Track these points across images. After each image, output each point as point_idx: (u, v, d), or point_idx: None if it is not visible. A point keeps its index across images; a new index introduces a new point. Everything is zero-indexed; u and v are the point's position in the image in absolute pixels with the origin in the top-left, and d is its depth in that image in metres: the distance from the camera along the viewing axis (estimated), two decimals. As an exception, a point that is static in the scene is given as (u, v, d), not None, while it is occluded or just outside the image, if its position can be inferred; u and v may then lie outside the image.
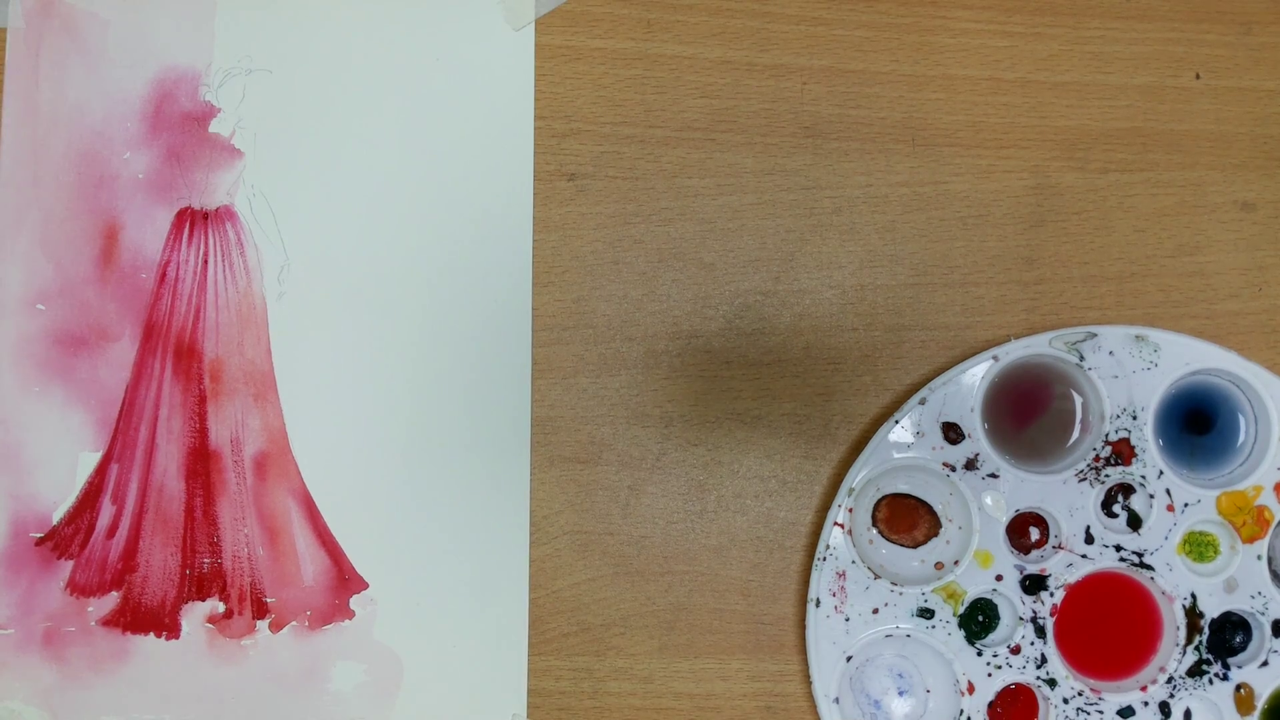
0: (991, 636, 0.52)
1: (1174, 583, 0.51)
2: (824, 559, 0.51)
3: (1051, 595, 0.51)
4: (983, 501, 0.51)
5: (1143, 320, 0.54)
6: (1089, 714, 0.51)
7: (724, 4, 0.55)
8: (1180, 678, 0.51)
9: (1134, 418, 0.52)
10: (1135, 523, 0.52)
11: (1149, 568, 0.51)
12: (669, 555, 0.53)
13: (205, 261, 0.54)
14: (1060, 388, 0.53)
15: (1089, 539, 0.51)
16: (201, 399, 0.53)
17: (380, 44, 0.55)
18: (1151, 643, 0.52)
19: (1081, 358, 0.52)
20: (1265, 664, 0.51)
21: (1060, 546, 0.52)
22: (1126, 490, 0.52)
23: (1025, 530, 0.52)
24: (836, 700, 0.51)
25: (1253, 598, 0.51)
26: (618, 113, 0.55)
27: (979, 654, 0.51)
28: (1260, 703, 0.51)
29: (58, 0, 0.55)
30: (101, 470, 0.53)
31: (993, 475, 0.51)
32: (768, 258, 0.54)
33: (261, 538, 0.53)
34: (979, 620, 0.52)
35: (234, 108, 0.54)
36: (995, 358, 0.52)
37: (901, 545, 0.53)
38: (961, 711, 0.51)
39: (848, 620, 0.51)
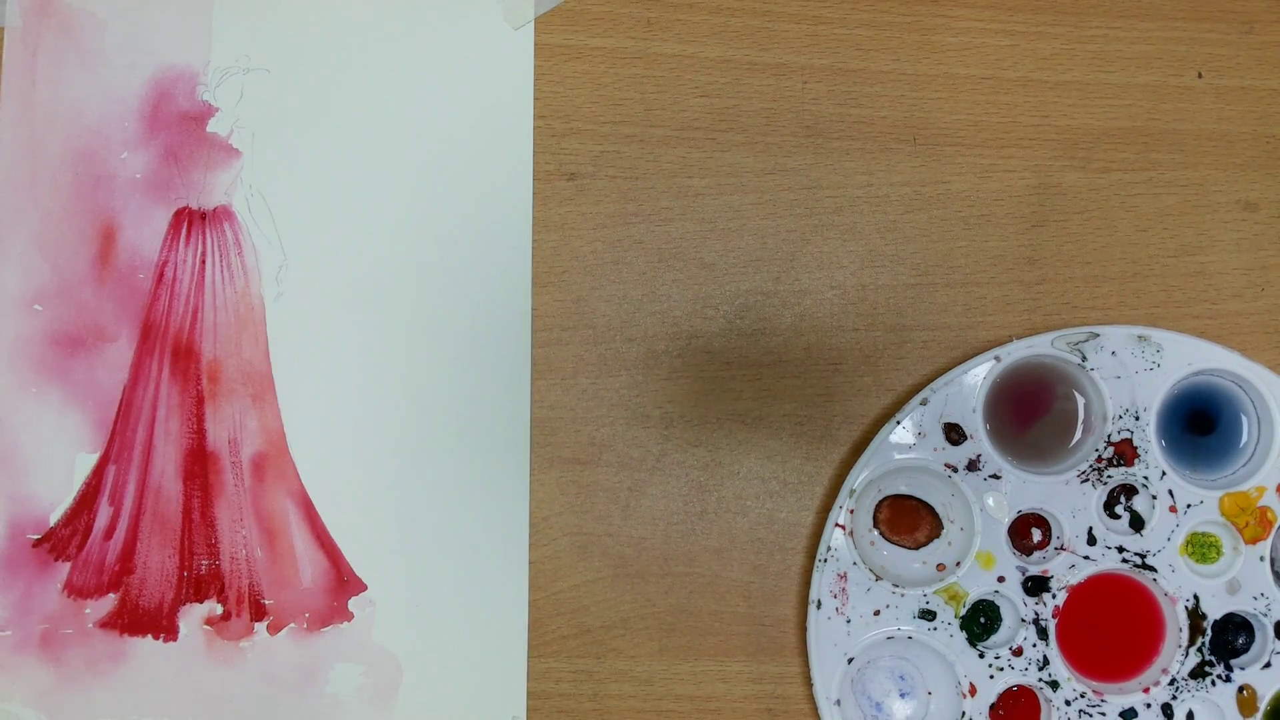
0: (993, 638, 0.51)
1: (1176, 584, 0.51)
2: (825, 560, 0.51)
3: (1054, 597, 0.51)
4: (984, 502, 0.51)
5: (1145, 320, 0.54)
6: (1091, 716, 0.51)
7: (724, 3, 0.55)
8: (1183, 679, 0.51)
9: (1136, 418, 0.51)
10: (1138, 524, 0.51)
11: (1151, 569, 0.51)
12: (669, 557, 0.53)
13: (203, 261, 0.54)
14: (1062, 388, 0.52)
15: (1091, 540, 0.51)
16: (199, 400, 0.53)
17: (379, 43, 0.55)
18: (1154, 644, 0.52)
19: (1084, 358, 0.51)
20: (1268, 665, 0.51)
21: (1062, 548, 0.51)
22: (1129, 491, 0.52)
23: (1027, 531, 0.52)
24: (838, 702, 0.51)
25: (1255, 599, 0.51)
26: (618, 112, 0.55)
27: (981, 656, 0.51)
28: (1263, 704, 0.51)
29: (55, 0, 0.54)
30: (99, 471, 0.53)
31: (995, 476, 0.51)
32: (768, 258, 0.54)
33: (260, 539, 0.53)
34: (981, 622, 0.51)
35: (232, 107, 0.54)
36: (997, 358, 0.51)
37: (903, 546, 0.52)
38: (963, 714, 0.51)
39: (849, 622, 0.51)
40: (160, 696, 0.52)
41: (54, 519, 0.52)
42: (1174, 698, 0.51)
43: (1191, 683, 0.51)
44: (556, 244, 0.54)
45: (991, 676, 0.51)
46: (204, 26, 0.54)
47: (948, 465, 0.51)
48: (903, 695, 0.52)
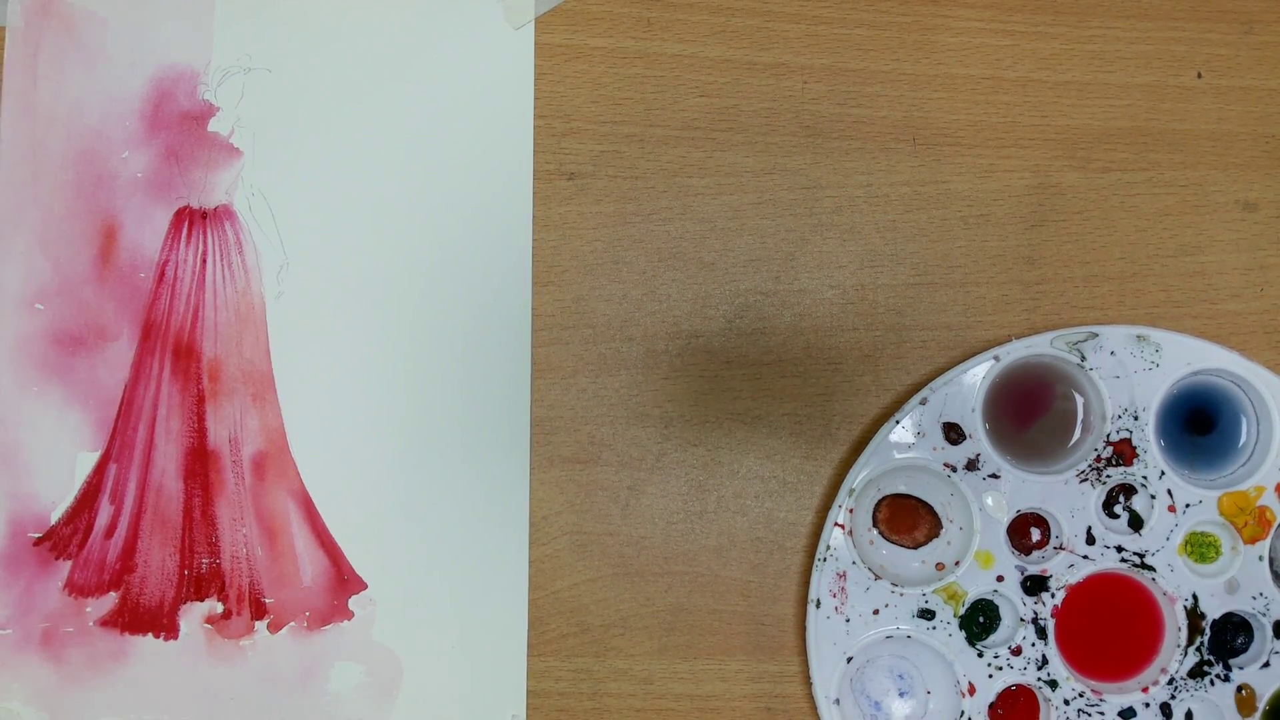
0: (992, 637, 0.52)
1: (1175, 584, 0.51)
2: (824, 560, 0.51)
3: (1053, 596, 0.51)
4: (984, 502, 0.51)
5: (1144, 320, 0.54)
6: (1090, 715, 0.51)
7: (724, 2, 0.55)
8: (1181, 679, 0.51)
9: (1135, 418, 0.51)
10: (1136, 523, 0.51)
11: (1150, 568, 0.51)
12: (669, 556, 0.53)
13: (204, 261, 0.54)
14: (1062, 388, 0.52)
15: (1090, 540, 0.51)
16: (200, 399, 0.53)
17: (380, 43, 0.55)
18: (1153, 644, 0.52)
19: (1083, 358, 0.51)
20: (1267, 665, 0.51)
21: (1061, 547, 0.51)
22: (1128, 491, 0.52)
23: (1026, 531, 0.52)
24: (837, 701, 0.51)
25: (1254, 599, 0.51)
26: (617, 112, 0.55)
27: (980, 655, 0.51)
28: (1261, 704, 0.51)
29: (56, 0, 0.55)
30: (100, 470, 0.53)
31: (994, 476, 0.51)
32: (768, 257, 0.54)
33: (260, 538, 0.53)
34: (980, 621, 0.51)
35: (233, 106, 0.54)
36: (996, 358, 0.51)
37: (902, 546, 0.52)
38: (962, 713, 0.51)
39: (848, 621, 0.51)
40: (161, 695, 0.52)
41: (55, 517, 0.52)
42: (1173, 697, 0.51)
43: (1190, 682, 0.51)
44: (556, 244, 0.54)
45: (990, 676, 0.51)
46: (205, 26, 0.55)
47: (947, 465, 0.51)
48: (902, 694, 0.52)
